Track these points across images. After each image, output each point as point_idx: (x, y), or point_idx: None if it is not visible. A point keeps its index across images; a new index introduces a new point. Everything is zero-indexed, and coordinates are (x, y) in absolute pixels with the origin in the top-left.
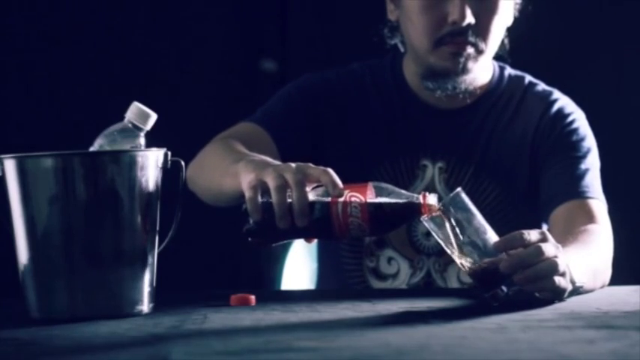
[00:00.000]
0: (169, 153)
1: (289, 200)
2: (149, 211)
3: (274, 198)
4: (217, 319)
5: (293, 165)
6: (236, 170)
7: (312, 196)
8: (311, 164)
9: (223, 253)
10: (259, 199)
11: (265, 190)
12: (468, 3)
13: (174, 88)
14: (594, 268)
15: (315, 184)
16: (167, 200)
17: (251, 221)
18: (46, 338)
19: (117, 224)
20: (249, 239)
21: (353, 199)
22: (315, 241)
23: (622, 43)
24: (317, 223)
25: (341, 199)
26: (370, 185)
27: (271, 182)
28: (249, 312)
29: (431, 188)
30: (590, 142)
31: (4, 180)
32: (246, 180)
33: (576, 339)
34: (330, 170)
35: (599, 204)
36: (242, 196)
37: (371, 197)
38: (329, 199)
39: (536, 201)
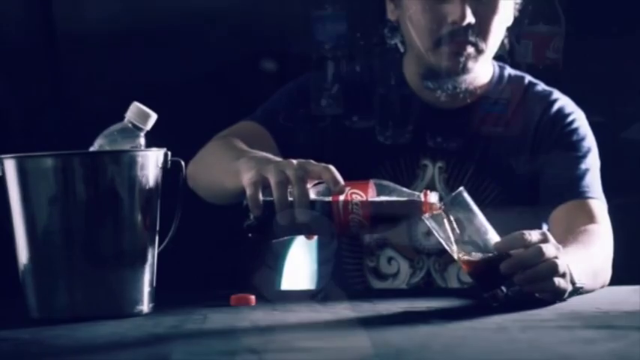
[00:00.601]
0: (169, 153)
1: (290, 197)
2: (149, 211)
3: (275, 194)
4: (217, 319)
5: (294, 161)
6: (237, 167)
7: (313, 193)
8: (312, 161)
9: (223, 253)
10: (260, 195)
11: (266, 187)
12: (467, 3)
13: (174, 88)
14: (594, 269)
15: (316, 181)
16: (167, 200)
17: (251, 217)
18: (46, 338)
19: (117, 224)
20: (250, 235)
21: (354, 196)
22: (315, 237)
23: (622, 43)
24: (317, 220)
25: (342, 197)
26: (371, 182)
27: (272, 178)
28: (249, 312)
29: (431, 188)
30: (590, 141)
31: (4, 180)
32: (247, 176)
33: (576, 339)
34: (332, 167)
35: (599, 204)
36: (243, 192)
37: (372, 195)
38: (330, 196)
39: (536, 201)
